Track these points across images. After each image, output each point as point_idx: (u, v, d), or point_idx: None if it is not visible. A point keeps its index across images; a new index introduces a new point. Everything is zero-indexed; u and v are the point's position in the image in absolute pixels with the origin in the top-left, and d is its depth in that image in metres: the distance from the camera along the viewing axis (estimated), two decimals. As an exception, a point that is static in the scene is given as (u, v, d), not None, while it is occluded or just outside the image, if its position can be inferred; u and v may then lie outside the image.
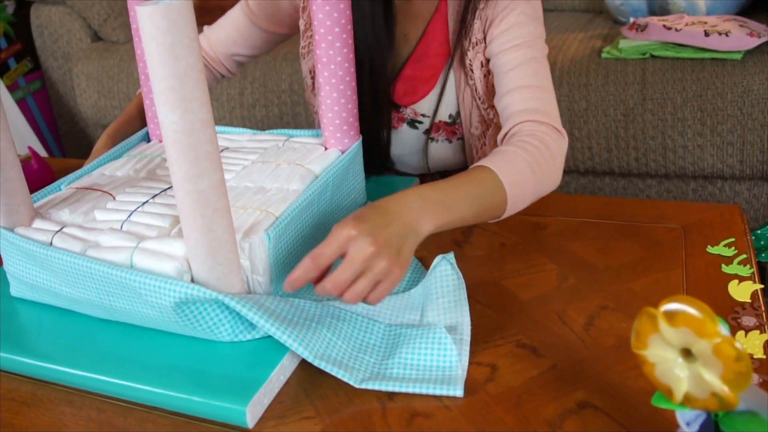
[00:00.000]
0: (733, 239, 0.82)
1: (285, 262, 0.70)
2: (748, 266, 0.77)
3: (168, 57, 0.55)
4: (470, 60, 0.93)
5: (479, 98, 0.96)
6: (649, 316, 0.45)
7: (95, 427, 0.61)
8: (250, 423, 0.58)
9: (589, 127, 1.35)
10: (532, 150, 0.78)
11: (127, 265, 0.65)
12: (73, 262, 0.66)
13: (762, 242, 1.23)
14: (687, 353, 0.45)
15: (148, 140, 0.97)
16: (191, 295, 0.61)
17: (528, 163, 0.76)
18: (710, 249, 0.81)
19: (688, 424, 0.47)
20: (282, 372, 0.63)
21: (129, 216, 0.73)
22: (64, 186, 0.84)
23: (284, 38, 1.11)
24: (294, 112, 1.65)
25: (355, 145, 0.85)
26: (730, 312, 0.70)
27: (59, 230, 0.72)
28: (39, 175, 1.16)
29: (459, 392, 0.60)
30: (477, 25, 0.91)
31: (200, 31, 1.14)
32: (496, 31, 0.89)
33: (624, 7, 1.65)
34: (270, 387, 0.61)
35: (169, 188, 0.79)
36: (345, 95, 0.82)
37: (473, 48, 0.92)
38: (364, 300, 0.63)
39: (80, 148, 2.11)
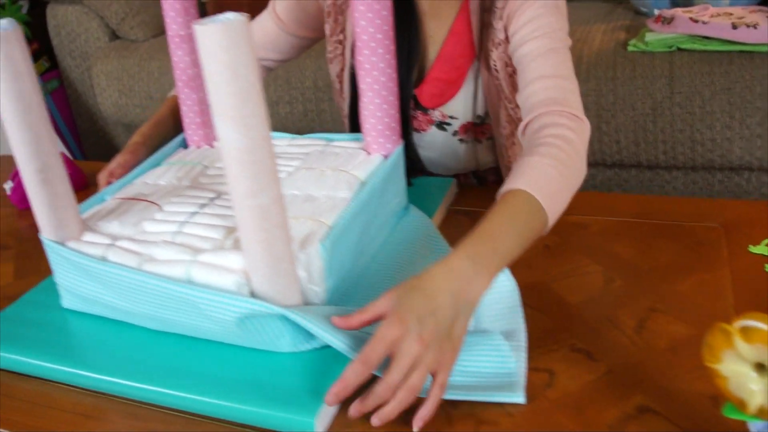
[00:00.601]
0: (775, 237, 0.82)
1: (337, 270, 0.71)
2: (793, 265, 0.78)
3: (229, 75, 0.55)
4: (494, 61, 0.93)
5: (506, 98, 0.96)
6: (723, 332, 0.46)
7: (163, 439, 0.62)
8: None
9: (617, 120, 1.35)
10: (556, 153, 0.74)
11: (184, 279, 0.66)
12: (131, 277, 0.67)
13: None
14: (761, 367, 0.45)
15: (185, 146, 0.98)
16: (255, 310, 0.62)
17: (557, 169, 0.73)
18: (752, 248, 0.81)
19: (756, 427, 0.48)
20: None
21: (180, 227, 0.74)
22: (108, 196, 0.85)
23: (312, 42, 1.11)
24: (319, 109, 1.65)
25: (398, 149, 0.86)
26: (779, 313, 0.70)
27: (112, 244, 0.73)
28: (72, 180, 1.16)
29: (521, 399, 0.61)
30: (498, 24, 0.91)
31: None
32: (516, 25, 0.88)
33: (646, -2, 1.65)
34: (333, 397, 0.62)
35: (216, 197, 0.80)
36: (388, 101, 0.83)
37: (496, 48, 0.92)
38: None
39: (100, 146, 2.12)
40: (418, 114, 1.01)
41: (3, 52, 0.66)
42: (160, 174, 0.88)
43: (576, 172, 0.76)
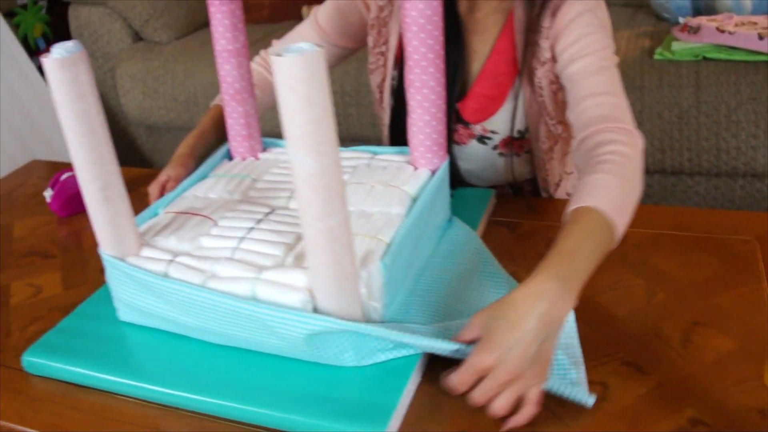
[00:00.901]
0: (809, 251, 0.85)
1: (395, 286, 0.73)
2: (829, 279, 0.80)
3: (305, 104, 0.58)
4: (539, 78, 0.95)
5: (548, 114, 0.98)
6: (790, 356, 0.48)
7: (233, 451, 0.65)
8: (388, 446, 0.62)
9: (643, 128, 1.37)
10: (617, 170, 0.77)
11: (249, 297, 0.68)
12: (197, 294, 0.70)
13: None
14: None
15: (230, 158, 1.00)
16: (325, 327, 0.65)
17: (620, 185, 0.76)
18: (789, 261, 0.84)
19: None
20: (407, 395, 0.67)
21: (239, 244, 0.76)
22: (161, 210, 0.87)
23: (351, 53, 1.13)
24: (346, 113, 1.68)
25: (445, 164, 0.88)
26: (819, 327, 0.73)
27: (172, 260, 0.75)
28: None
29: (592, 399, 0.64)
30: (545, 44, 0.93)
31: (269, 45, 1.17)
32: (564, 43, 0.91)
33: (668, 4, 1.66)
34: (400, 411, 0.65)
35: (270, 213, 0.82)
36: (436, 118, 0.85)
37: (542, 66, 0.94)
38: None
39: (121, 147, 2.14)
40: (459, 127, 1.03)
41: (70, 73, 0.68)
42: (209, 187, 0.90)
43: (637, 186, 0.79)
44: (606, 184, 0.75)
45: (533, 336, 0.62)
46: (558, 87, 0.94)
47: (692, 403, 0.65)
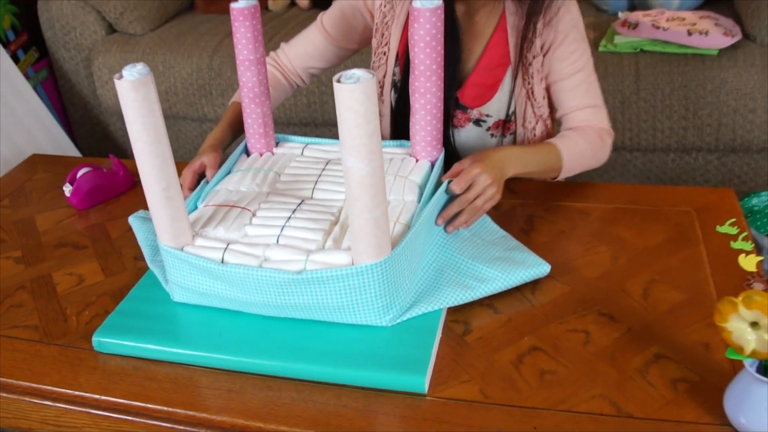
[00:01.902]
0: (734, 219, 1.05)
1: (411, 251, 0.89)
2: (749, 242, 1.01)
3: (362, 121, 0.72)
4: (532, 71, 1.13)
5: (534, 98, 1.16)
6: (730, 302, 0.67)
7: (301, 404, 0.79)
8: (427, 390, 0.79)
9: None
10: (586, 138, 1.11)
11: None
12: (259, 274, 0.83)
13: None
14: (754, 325, 0.67)
15: (247, 153, 1.12)
16: (365, 281, 0.81)
17: (583, 148, 1.10)
18: (719, 228, 1.04)
19: (750, 365, 0.70)
20: (435, 349, 0.83)
21: (282, 231, 0.90)
22: (200, 204, 0.99)
23: (353, 53, 1.27)
24: (321, 101, 1.80)
25: (441, 156, 1.04)
26: (743, 280, 0.93)
27: (226, 248, 0.88)
28: (124, 182, 1.29)
29: (548, 267, 0.93)
30: (537, 42, 1.11)
31: (277, 47, 1.29)
32: (555, 56, 1.11)
33: (607, -1, 1.86)
34: (432, 362, 0.81)
35: (301, 203, 0.96)
36: (436, 117, 1.00)
37: (534, 59, 1.12)
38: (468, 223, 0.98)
39: (93, 134, 2.19)
40: (458, 113, 1.19)
41: (141, 93, 0.80)
42: (238, 181, 1.03)
43: (599, 156, 1.14)
44: (575, 139, 1.11)
45: (500, 170, 0.99)
46: (543, 75, 1.14)
47: (655, 342, 0.84)
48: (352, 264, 0.82)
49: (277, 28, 1.96)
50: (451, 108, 1.17)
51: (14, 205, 1.28)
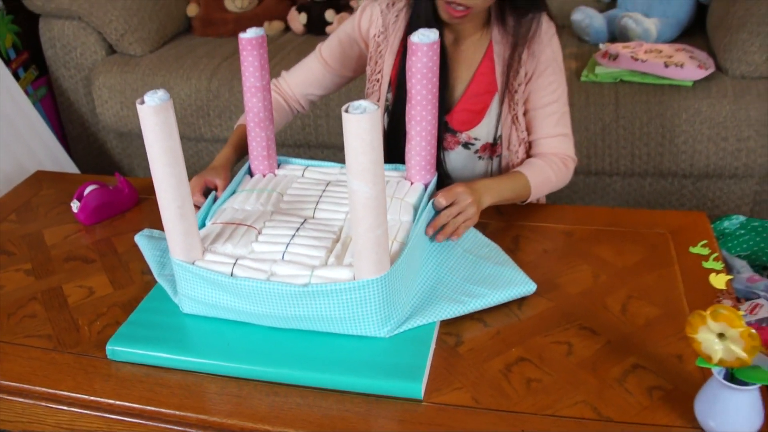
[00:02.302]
0: (706, 241, 1.13)
1: (407, 267, 0.96)
2: (720, 262, 1.09)
3: (368, 148, 0.79)
4: (517, 98, 1.21)
5: (518, 123, 1.23)
6: (699, 315, 0.75)
7: (306, 409, 0.85)
8: (422, 396, 0.85)
9: (573, 139, 1.66)
10: (554, 165, 1.22)
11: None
12: (266, 287, 0.89)
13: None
14: (721, 336, 0.74)
15: (251, 174, 1.19)
16: (366, 294, 0.87)
17: (548, 175, 1.21)
18: (692, 249, 1.12)
19: (718, 372, 0.77)
20: (430, 358, 0.90)
21: (286, 248, 0.96)
22: (208, 221, 1.05)
23: (349, 80, 1.34)
24: (316, 124, 1.87)
25: (434, 179, 1.11)
26: (714, 297, 1.01)
27: (235, 263, 0.94)
28: (129, 199, 1.34)
29: (534, 286, 1.00)
30: (522, 71, 1.19)
31: (278, 75, 1.36)
32: (535, 85, 1.19)
33: (589, 29, 1.96)
34: (427, 370, 0.88)
35: (304, 222, 1.02)
36: (430, 143, 1.08)
37: (519, 87, 1.20)
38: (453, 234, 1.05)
39: (90, 151, 2.24)
40: (448, 136, 1.26)
41: (161, 118, 0.86)
42: (243, 200, 1.09)
43: (557, 183, 1.24)
44: (542, 167, 1.21)
45: (479, 196, 1.09)
46: (524, 101, 1.23)
47: (632, 353, 0.91)
48: (354, 279, 0.89)
49: (272, 52, 2.03)
50: (441, 131, 1.24)
51: (21, 219, 1.33)
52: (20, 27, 2.12)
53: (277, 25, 2.25)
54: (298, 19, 2.20)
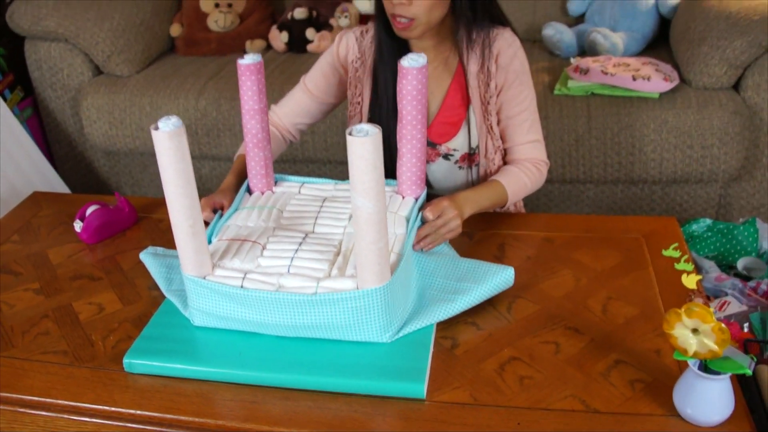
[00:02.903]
0: (677, 244, 1.22)
1: (405, 276, 1.03)
2: (690, 263, 1.18)
3: (371, 168, 0.86)
4: (490, 108, 1.29)
5: (493, 132, 1.32)
6: (675, 313, 0.83)
7: (317, 411, 0.91)
8: (425, 395, 0.92)
9: (549, 149, 1.74)
10: (528, 170, 1.31)
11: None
12: (275, 297, 0.95)
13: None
14: (695, 331, 0.83)
15: (250, 192, 1.25)
16: (370, 302, 0.94)
17: (524, 178, 1.30)
18: (664, 252, 1.20)
19: (693, 364, 0.85)
20: (429, 361, 0.97)
21: (291, 262, 1.02)
22: (214, 238, 1.11)
23: (334, 107, 1.43)
24: (302, 140, 1.94)
25: (424, 193, 1.18)
26: (686, 296, 1.10)
27: (244, 276, 1.00)
28: (129, 217, 1.39)
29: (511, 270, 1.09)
30: (492, 84, 1.28)
31: (269, 108, 1.42)
32: (506, 96, 1.29)
33: (560, 43, 2.06)
34: (427, 371, 0.95)
35: (306, 237, 1.08)
36: (420, 160, 1.15)
37: (491, 98, 1.29)
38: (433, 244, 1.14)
39: (77, 171, 2.27)
40: (428, 149, 1.34)
41: (175, 143, 0.92)
42: (245, 217, 1.15)
43: (531, 188, 1.32)
44: (516, 173, 1.30)
45: (460, 208, 1.17)
46: (496, 112, 1.31)
47: (614, 350, 0.99)
48: (357, 288, 0.95)
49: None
50: None
51: (24, 240, 1.37)
52: (5, 49, 2.15)
53: (259, 43, 2.31)
54: (279, 38, 2.26)
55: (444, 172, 1.37)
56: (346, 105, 1.40)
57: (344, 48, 1.35)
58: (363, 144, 0.85)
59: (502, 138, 1.33)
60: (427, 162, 1.36)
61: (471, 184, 1.40)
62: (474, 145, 1.34)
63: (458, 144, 1.34)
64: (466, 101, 1.31)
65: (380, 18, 1.26)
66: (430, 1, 1.18)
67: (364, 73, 1.33)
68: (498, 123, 1.32)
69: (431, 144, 1.34)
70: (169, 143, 0.92)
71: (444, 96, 1.32)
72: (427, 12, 1.19)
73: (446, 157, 1.35)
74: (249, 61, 1.14)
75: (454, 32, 1.28)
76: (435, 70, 1.31)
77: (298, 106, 1.40)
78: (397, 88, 1.11)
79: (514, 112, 1.30)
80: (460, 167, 1.36)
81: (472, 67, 1.28)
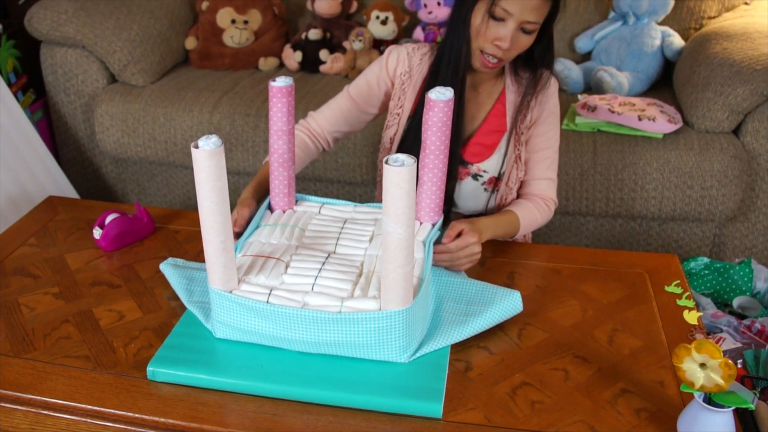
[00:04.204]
0: (678, 281, 1.27)
1: (424, 299, 1.07)
2: (692, 300, 1.23)
3: (405, 196, 0.90)
4: (525, 137, 1.37)
5: (520, 162, 1.38)
6: (685, 348, 0.88)
7: (337, 425, 0.95)
8: (442, 415, 0.96)
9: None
10: (540, 206, 1.40)
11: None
12: (301, 314, 0.99)
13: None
14: (702, 365, 0.88)
15: (271, 209, 1.28)
16: (393, 323, 0.98)
17: (534, 215, 1.38)
18: (667, 288, 1.25)
19: (699, 396, 0.90)
20: (445, 381, 1.01)
21: (315, 281, 1.06)
22: (238, 254, 1.14)
23: (373, 118, 1.48)
24: (313, 160, 1.98)
25: (440, 220, 1.23)
26: (688, 331, 1.15)
27: (269, 293, 1.03)
28: (147, 227, 1.42)
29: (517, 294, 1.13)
30: (528, 116, 1.36)
31: (305, 115, 1.47)
32: (537, 131, 1.37)
33: (567, 79, 2.13)
34: (444, 392, 0.99)
35: (328, 256, 1.12)
36: (440, 188, 1.20)
37: (527, 130, 1.37)
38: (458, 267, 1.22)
39: (84, 175, 2.29)
40: (460, 168, 1.40)
41: (214, 161, 0.96)
42: (268, 234, 1.19)
43: (543, 219, 1.41)
44: (530, 208, 1.38)
45: (480, 236, 1.24)
46: (527, 143, 1.39)
47: (620, 379, 1.04)
48: (380, 309, 0.99)
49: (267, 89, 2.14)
50: (455, 164, 1.38)
51: (42, 244, 1.39)
52: (20, 51, 2.18)
53: (272, 61, 2.36)
54: (293, 57, 2.31)
55: (470, 191, 1.43)
56: (365, 130, 1.44)
57: (394, 60, 1.42)
58: (400, 173, 0.89)
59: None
60: (457, 180, 1.42)
61: (489, 208, 1.45)
62: (502, 170, 1.40)
63: (489, 166, 1.40)
64: (502, 128, 1.39)
65: (456, 45, 1.30)
66: (524, 48, 1.28)
67: (409, 87, 1.40)
68: None
69: (464, 163, 1.41)
70: (209, 162, 0.95)
71: (483, 120, 1.39)
72: (515, 56, 1.29)
73: (475, 177, 1.42)
74: (281, 84, 1.18)
75: (509, 66, 1.38)
76: (478, 96, 1.40)
77: (340, 113, 1.44)
78: (423, 119, 1.16)
79: (540, 147, 1.38)
80: (485, 189, 1.43)
81: (514, 99, 1.37)
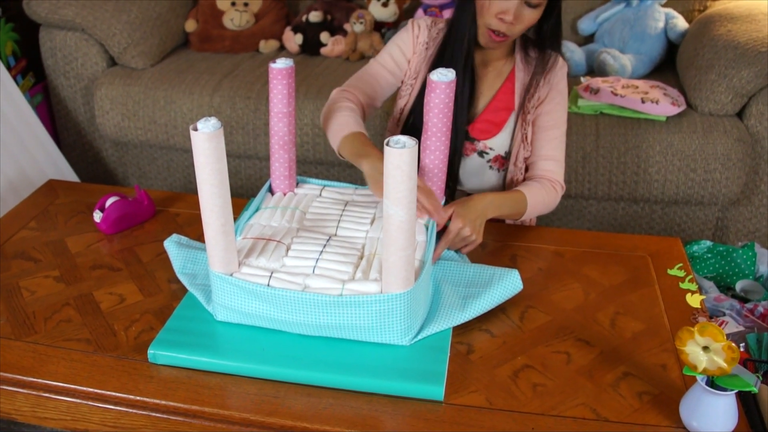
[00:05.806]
0: (681, 264, 1.27)
1: (425, 282, 1.07)
2: (694, 283, 1.23)
3: (405, 178, 0.89)
4: (531, 116, 1.36)
5: (527, 142, 1.38)
6: (688, 331, 0.87)
7: (339, 408, 0.95)
8: (443, 397, 0.95)
9: (561, 166, 1.81)
10: (545, 188, 1.36)
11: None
12: (302, 297, 0.98)
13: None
14: (705, 348, 0.87)
15: (271, 192, 1.28)
16: (394, 305, 0.98)
17: (542, 195, 1.34)
18: (669, 271, 1.25)
19: (702, 380, 0.90)
20: (448, 362, 1.00)
21: (316, 263, 1.05)
22: (239, 237, 1.14)
23: (394, 89, 1.44)
24: (314, 142, 1.97)
25: (442, 203, 1.22)
26: (690, 314, 1.15)
27: (270, 275, 1.03)
28: (148, 210, 1.41)
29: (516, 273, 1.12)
30: (536, 95, 1.35)
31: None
32: (544, 109, 1.36)
33: (570, 61, 2.11)
34: (445, 374, 0.98)
35: (329, 239, 1.12)
36: (441, 171, 1.19)
37: (533, 109, 1.36)
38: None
39: (84, 159, 2.28)
40: (466, 143, 1.40)
41: (213, 144, 0.95)
42: (269, 217, 1.18)
43: (551, 204, 1.38)
44: (538, 189, 1.35)
45: (480, 218, 1.21)
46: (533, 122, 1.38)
47: (622, 362, 1.04)
48: (381, 292, 0.99)
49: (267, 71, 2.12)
50: (461, 140, 1.37)
51: (42, 227, 1.38)
52: (18, 35, 2.16)
53: (273, 44, 2.34)
54: (293, 40, 2.29)
55: (475, 168, 1.43)
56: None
57: (417, 29, 1.40)
58: (401, 155, 0.88)
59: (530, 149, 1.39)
60: (463, 156, 1.41)
61: (496, 187, 1.44)
62: (509, 150, 1.39)
63: (496, 144, 1.40)
64: (510, 106, 1.38)
65: (463, 21, 1.29)
66: (530, 24, 1.27)
67: (424, 60, 1.39)
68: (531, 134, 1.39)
69: (471, 139, 1.40)
70: (208, 144, 0.94)
71: (492, 98, 1.39)
72: (522, 32, 1.28)
73: (481, 154, 1.41)
74: (281, 66, 1.17)
75: (514, 45, 1.38)
76: (488, 74, 1.39)
77: (373, 79, 1.39)
78: (425, 101, 1.15)
79: (546, 126, 1.37)
80: (491, 167, 1.42)
81: (522, 78, 1.37)
